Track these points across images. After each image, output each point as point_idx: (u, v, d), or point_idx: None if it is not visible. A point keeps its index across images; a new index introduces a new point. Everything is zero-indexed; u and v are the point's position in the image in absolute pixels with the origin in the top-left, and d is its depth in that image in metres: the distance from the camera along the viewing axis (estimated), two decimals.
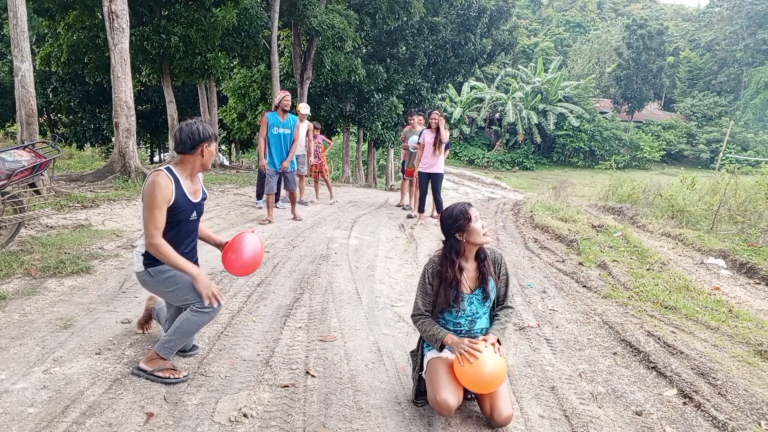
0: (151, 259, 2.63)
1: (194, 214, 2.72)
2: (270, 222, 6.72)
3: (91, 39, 11.93)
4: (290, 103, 6.64)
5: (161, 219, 2.52)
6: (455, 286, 2.47)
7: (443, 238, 2.57)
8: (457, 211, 2.48)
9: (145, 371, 2.61)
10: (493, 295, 2.55)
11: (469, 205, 2.51)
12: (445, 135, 6.99)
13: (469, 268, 2.54)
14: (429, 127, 7.11)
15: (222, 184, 10.42)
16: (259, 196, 7.99)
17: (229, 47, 13.16)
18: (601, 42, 53.72)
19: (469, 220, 2.45)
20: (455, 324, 2.52)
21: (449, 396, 2.31)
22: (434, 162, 7.06)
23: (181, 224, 2.67)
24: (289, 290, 4.14)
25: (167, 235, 2.59)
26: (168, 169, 2.62)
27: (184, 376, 2.63)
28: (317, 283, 4.35)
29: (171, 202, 2.56)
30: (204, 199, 2.82)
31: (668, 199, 9.90)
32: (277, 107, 6.62)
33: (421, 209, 7.51)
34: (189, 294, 2.58)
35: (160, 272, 2.64)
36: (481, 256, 2.55)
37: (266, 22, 13.24)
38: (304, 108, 8.07)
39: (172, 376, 2.59)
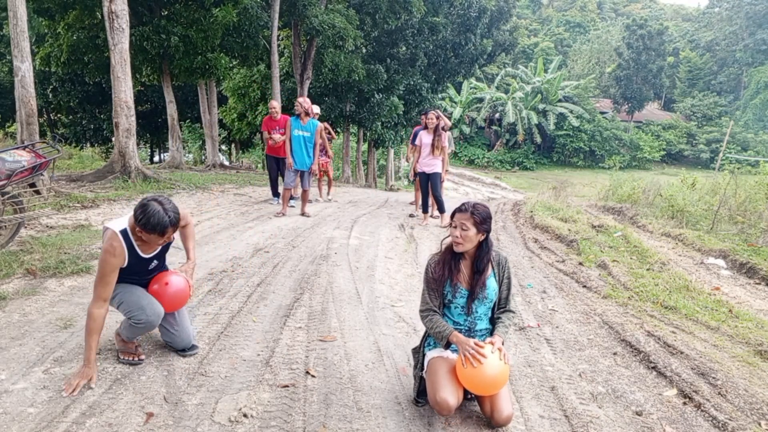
0: None
1: (153, 262, 2.79)
2: (284, 215, 7.27)
3: (91, 39, 11.94)
4: (300, 107, 7.11)
5: (109, 287, 2.56)
6: (449, 278, 2.48)
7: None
8: (456, 210, 2.48)
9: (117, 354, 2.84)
10: (494, 296, 2.53)
11: (462, 210, 2.45)
12: (445, 137, 6.98)
13: (466, 265, 2.53)
14: (426, 127, 7.09)
15: (222, 184, 10.42)
16: (274, 194, 8.54)
17: (229, 47, 13.16)
18: (601, 42, 53.72)
19: (451, 223, 2.48)
20: (455, 324, 2.52)
21: (449, 396, 2.31)
22: (433, 162, 7.05)
23: (134, 275, 2.76)
24: (289, 290, 4.14)
25: (126, 278, 2.71)
26: (123, 232, 2.58)
27: (140, 359, 2.79)
28: (317, 283, 4.35)
29: (124, 265, 2.62)
30: (165, 246, 2.80)
31: (668, 199, 9.88)
32: (299, 113, 7.17)
33: (424, 210, 7.51)
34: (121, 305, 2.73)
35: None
36: (477, 266, 2.49)
37: (266, 22, 13.23)
38: (316, 108, 8.64)
39: (133, 359, 2.78)
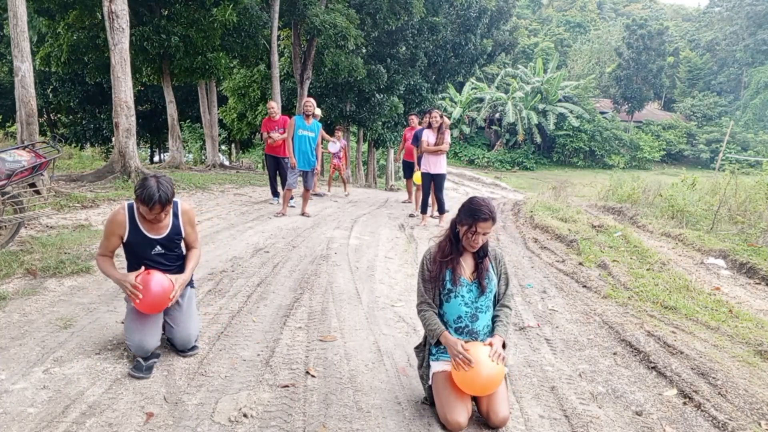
0: None
1: (158, 248, 2.83)
2: (284, 215, 7.24)
3: (91, 39, 11.94)
4: (312, 107, 7.20)
5: (109, 246, 2.84)
6: (449, 265, 2.48)
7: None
8: (473, 210, 2.39)
9: None
10: (494, 288, 2.54)
11: (486, 219, 2.36)
12: (448, 136, 6.95)
13: (466, 257, 2.55)
14: (429, 126, 7.03)
15: (222, 184, 10.42)
16: (274, 194, 8.60)
17: (229, 47, 13.16)
18: (601, 42, 53.71)
19: (469, 227, 2.40)
20: (457, 319, 2.50)
21: (460, 417, 2.31)
22: (438, 163, 7.01)
23: (141, 255, 2.82)
24: (289, 290, 4.14)
25: (130, 258, 2.88)
26: (130, 206, 2.78)
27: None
28: (317, 283, 4.35)
29: (124, 237, 2.80)
30: (174, 234, 2.85)
31: (668, 199, 9.88)
32: (310, 113, 7.22)
33: (423, 210, 7.47)
34: None
35: None
36: (479, 254, 2.54)
37: (266, 22, 13.23)
38: (317, 110, 8.87)
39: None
